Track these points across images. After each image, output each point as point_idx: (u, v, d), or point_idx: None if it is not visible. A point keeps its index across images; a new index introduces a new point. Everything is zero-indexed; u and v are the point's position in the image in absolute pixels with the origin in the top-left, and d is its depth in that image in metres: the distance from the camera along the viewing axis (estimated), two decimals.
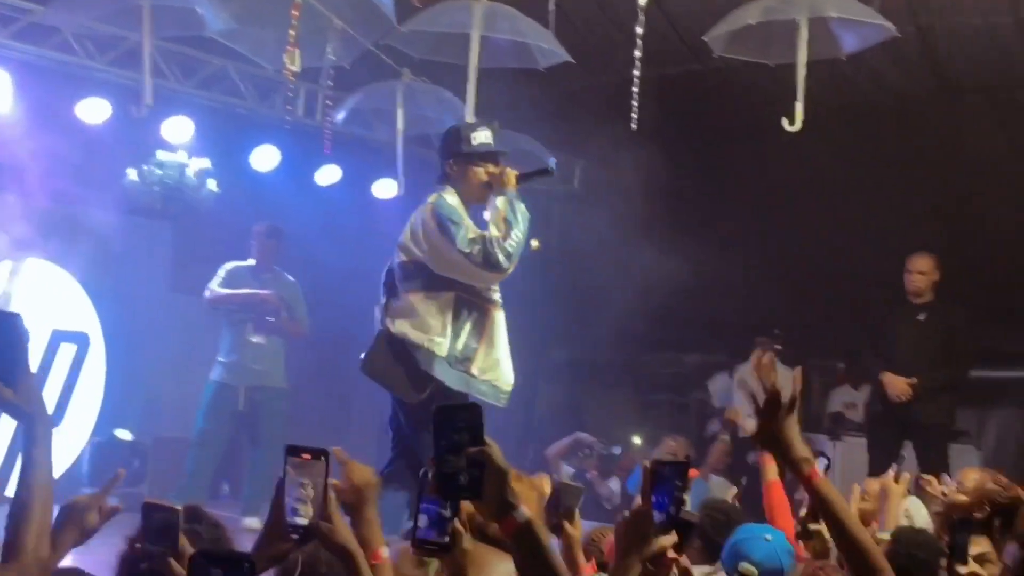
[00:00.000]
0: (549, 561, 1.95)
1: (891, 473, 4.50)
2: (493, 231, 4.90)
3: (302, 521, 2.15)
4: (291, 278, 8.05)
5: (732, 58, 6.61)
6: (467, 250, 4.85)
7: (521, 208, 4.98)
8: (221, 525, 2.74)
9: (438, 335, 4.93)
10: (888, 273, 8.01)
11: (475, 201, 5.08)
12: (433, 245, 4.94)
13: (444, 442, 1.96)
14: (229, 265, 7.88)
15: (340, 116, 7.64)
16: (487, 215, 5.02)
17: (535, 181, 5.27)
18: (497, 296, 5.11)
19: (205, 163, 7.99)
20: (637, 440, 9.12)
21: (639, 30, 6.29)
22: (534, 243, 9.93)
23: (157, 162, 7.84)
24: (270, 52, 6.78)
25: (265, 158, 8.37)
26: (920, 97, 8.70)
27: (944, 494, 4.49)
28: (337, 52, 6.80)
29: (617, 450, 8.77)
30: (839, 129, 8.96)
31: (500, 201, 4.97)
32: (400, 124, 7.40)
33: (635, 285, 10.49)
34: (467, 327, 4.98)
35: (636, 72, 6.41)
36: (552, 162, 5.85)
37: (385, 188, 8.90)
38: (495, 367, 5.05)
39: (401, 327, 4.99)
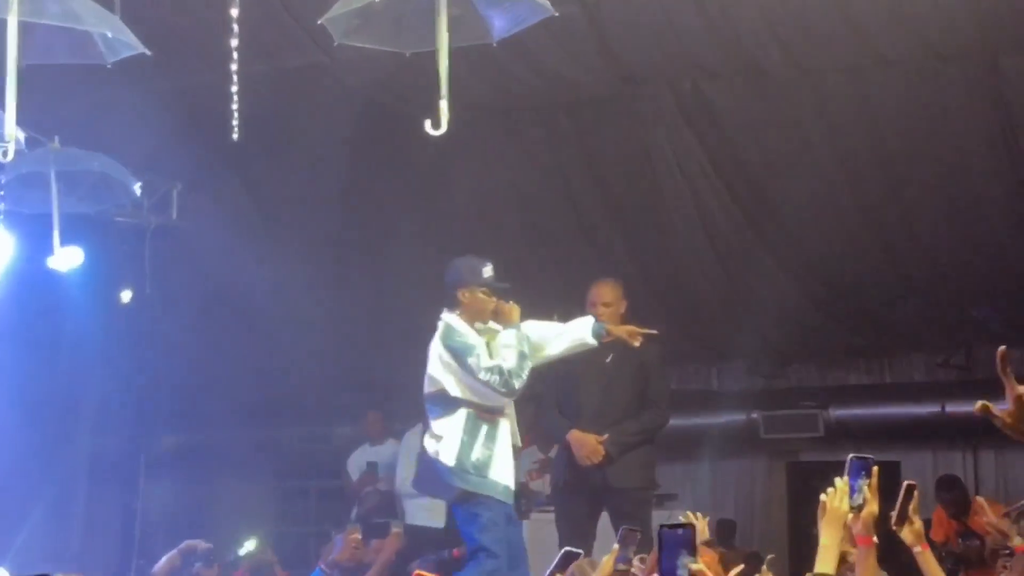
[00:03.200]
0: None
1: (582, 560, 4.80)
2: (507, 361, 6.47)
3: None
4: None
5: (362, 47, 6.51)
6: (486, 379, 6.42)
7: (527, 337, 6.62)
8: None
9: (450, 447, 6.50)
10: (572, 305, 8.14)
11: (480, 323, 6.64)
12: (455, 373, 6.52)
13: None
14: None
15: None
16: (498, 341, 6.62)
17: None
18: (507, 407, 6.67)
19: None
20: (251, 546, 9.12)
21: (234, 12, 6.09)
22: (125, 296, 9.64)
23: None
24: None
25: None
26: (597, 89, 8.94)
27: None
28: None
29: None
30: (498, 129, 9.09)
31: (511, 336, 6.57)
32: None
33: (265, 338, 10.35)
34: (481, 437, 6.53)
35: (234, 67, 6.21)
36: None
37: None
38: (506, 469, 6.63)
39: (426, 444, 6.69)
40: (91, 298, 9.56)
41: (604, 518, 7.77)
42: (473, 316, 6.66)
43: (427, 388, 6.68)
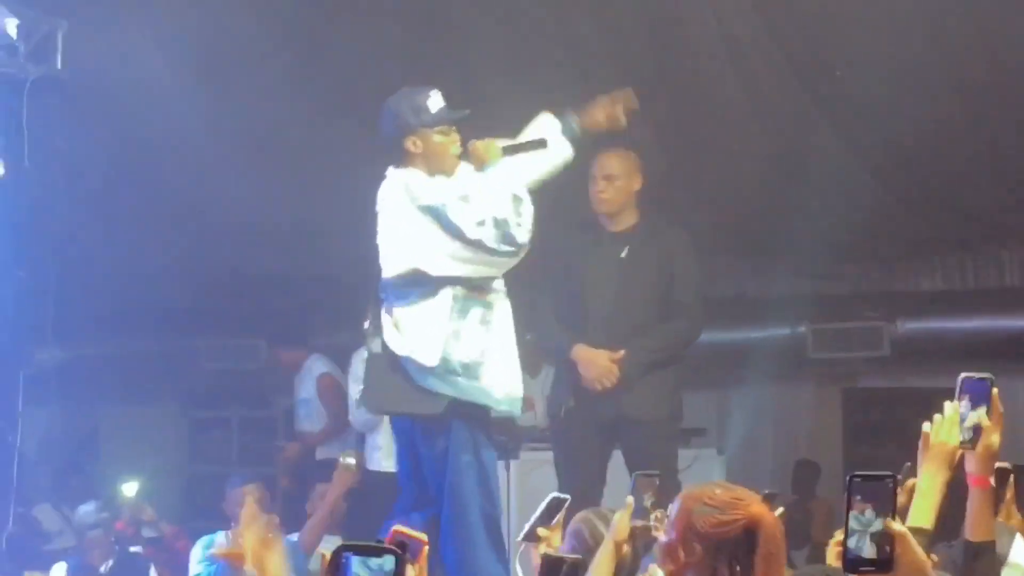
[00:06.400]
0: None
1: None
2: (501, 210, 6.16)
3: None
4: None
5: None
6: (477, 236, 6.14)
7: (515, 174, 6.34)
8: None
9: (429, 342, 6.24)
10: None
11: (446, 176, 6.40)
12: (431, 246, 6.20)
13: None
14: None
15: None
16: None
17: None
18: (501, 284, 6.45)
19: None
20: (128, 491, 9.52)
21: None
22: None
23: None
24: None
25: None
26: None
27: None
28: None
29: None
30: None
31: (496, 176, 6.28)
32: None
33: (179, 223, 10.31)
34: (470, 327, 6.27)
35: None
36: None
37: None
38: (504, 369, 6.39)
39: (388, 340, 6.36)
40: None
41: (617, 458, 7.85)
42: (433, 167, 6.44)
43: (390, 270, 6.43)
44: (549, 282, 8.08)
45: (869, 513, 3.11)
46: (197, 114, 9.65)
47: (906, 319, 10.85)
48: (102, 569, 8.93)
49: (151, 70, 9.60)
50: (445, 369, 6.25)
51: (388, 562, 2.62)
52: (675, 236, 7.87)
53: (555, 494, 4.61)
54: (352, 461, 8.73)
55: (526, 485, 9.09)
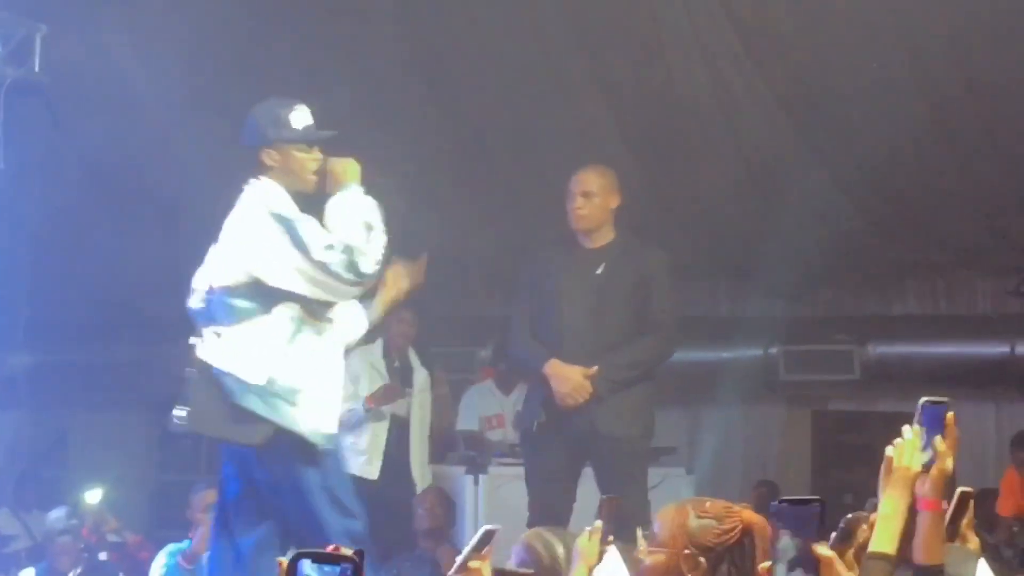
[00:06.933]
0: None
1: (585, 530, 4.67)
2: (350, 236, 5.85)
3: None
4: None
5: None
6: (323, 258, 5.80)
7: (374, 204, 6.01)
8: None
9: (256, 360, 5.87)
10: (549, 200, 8.12)
11: (304, 193, 6.08)
12: (275, 253, 5.86)
13: None
14: None
15: None
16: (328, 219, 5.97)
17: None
18: (334, 314, 6.10)
19: None
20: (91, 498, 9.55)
21: None
22: None
23: None
24: None
25: None
26: None
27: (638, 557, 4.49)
28: None
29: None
30: None
31: (351, 201, 5.95)
32: None
33: (155, 227, 10.29)
34: (299, 351, 5.94)
35: None
36: None
37: None
38: (325, 401, 6.03)
39: (208, 354, 5.96)
40: None
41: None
42: (289, 183, 6.09)
43: (224, 278, 6.01)
44: (524, 296, 8.05)
45: (786, 540, 3.13)
46: (175, 117, 9.65)
47: (877, 343, 10.91)
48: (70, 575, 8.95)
49: (129, 72, 9.63)
50: (269, 391, 5.90)
51: (344, 571, 2.61)
52: (652, 255, 7.85)
53: (487, 526, 4.52)
54: None
55: (494, 499, 9.16)
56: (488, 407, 10.45)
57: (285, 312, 5.93)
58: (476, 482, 9.47)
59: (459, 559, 4.35)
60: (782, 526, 3.16)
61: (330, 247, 5.82)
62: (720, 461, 10.77)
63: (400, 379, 9.69)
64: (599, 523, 4.73)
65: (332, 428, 6.09)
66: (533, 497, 7.82)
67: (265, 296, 5.93)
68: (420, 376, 9.86)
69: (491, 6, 9.41)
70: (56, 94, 9.23)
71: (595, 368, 7.53)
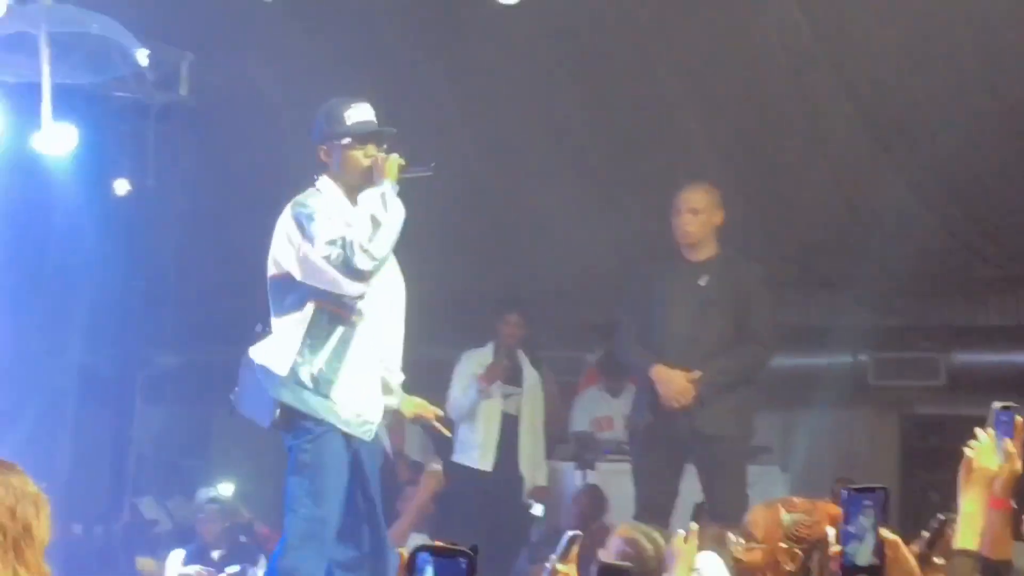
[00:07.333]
0: None
1: (679, 532, 4.74)
2: (355, 232, 5.85)
3: None
4: None
5: None
6: (324, 253, 5.86)
7: (395, 204, 5.96)
8: None
9: (282, 352, 6.00)
10: (653, 217, 8.41)
11: (360, 190, 6.08)
12: (297, 248, 5.98)
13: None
14: None
15: None
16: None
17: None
18: (369, 308, 6.09)
19: None
20: (223, 491, 9.55)
21: None
22: (121, 186, 9.83)
23: None
24: None
25: None
26: None
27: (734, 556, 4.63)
28: None
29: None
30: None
31: (371, 194, 5.96)
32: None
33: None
34: (329, 343, 5.99)
35: None
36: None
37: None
38: (358, 391, 6.07)
39: (254, 350, 6.12)
40: (84, 187, 9.45)
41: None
42: (344, 179, 6.16)
43: (270, 270, 6.19)
44: (632, 305, 8.30)
45: (863, 521, 3.36)
46: (308, 144, 9.81)
47: (961, 351, 11.03)
48: (215, 556, 9.03)
49: (269, 98, 9.77)
50: (293, 380, 5.96)
51: (461, 563, 2.59)
52: (751, 269, 8.12)
53: (570, 532, 4.32)
54: (438, 468, 9.01)
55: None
56: (598, 409, 10.64)
57: (312, 305, 5.98)
58: (584, 477, 9.79)
59: (548, 565, 4.32)
60: (856, 510, 3.34)
61: (332, 242, 5.85)
62: (812, 461, 10.85)
63: (510, 378, 9.82)
64: (695, 525, 4.77)
65: (373, 417, 6.13)
66: (639, 492, 8.09)
67: (298, 290, 6.02)
68: (530, 375, 9.95)
69: (594, 31, 9.51)
70: (202, 117, 9.62)
71: (698, 373, 7.78)
